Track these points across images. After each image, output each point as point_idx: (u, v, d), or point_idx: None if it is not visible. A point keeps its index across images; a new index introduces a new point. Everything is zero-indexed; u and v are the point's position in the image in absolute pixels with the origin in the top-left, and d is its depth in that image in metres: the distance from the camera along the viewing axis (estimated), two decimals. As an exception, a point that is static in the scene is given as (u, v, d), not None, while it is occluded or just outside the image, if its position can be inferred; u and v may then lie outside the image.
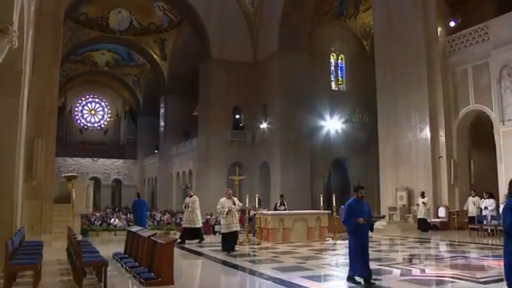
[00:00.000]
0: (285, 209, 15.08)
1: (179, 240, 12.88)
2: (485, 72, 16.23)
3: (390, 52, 19.89)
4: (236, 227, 11.14)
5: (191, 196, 13.63)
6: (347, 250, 11.50)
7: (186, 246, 12.51)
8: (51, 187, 12.90)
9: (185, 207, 13.55)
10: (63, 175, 18.50)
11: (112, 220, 25.15)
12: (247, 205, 13.71)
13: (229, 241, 10.90)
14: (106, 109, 50.38)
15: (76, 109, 49.26)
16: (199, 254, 11.01)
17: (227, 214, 10.84)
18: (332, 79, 31.21)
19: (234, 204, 11.15)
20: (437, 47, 17.95)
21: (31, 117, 11.61)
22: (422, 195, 16.92)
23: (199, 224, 13.63)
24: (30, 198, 11.74)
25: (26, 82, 9.69)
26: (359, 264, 6.81)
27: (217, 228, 21.17)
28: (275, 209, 15.48)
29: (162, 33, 37.52)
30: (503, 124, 15.25)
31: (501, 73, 15.40)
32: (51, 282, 7.27)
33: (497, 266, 8.82)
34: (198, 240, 13.31)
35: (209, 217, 23.54)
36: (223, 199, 11.23)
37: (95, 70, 43.93)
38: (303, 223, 13.58)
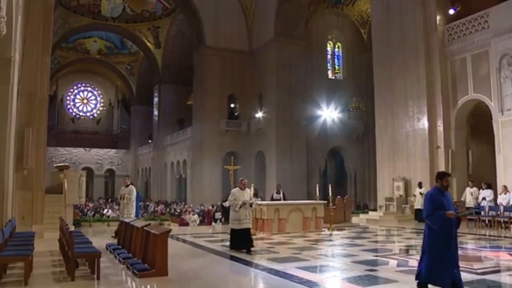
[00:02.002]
0: (281, 198, 14.79)
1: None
2: (485, 61, 16.02)
3: (388, 41, 19.65)
4: (249, 223, 9.87)
5: (127, 186, 12.42)
6: (343, 241, 11.55)
7: (181, 237, 12.34)
8: (43, 177, 12.70)
9: (120, 198, 12.43)
10: (55, 165, 18.28)
11: (105, 210, 25.07)
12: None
13: (239, 239, 9.61)
14: (98, 98, 49.75)
15: (68, 97, 48.60)
16: (194, 245, 10.85)
17: (240, 207, 9.62)
18: (329, 67, 30.94)
19: (250, 197, 9.89)
20: (436, 35, 17.68)
21: (21, 106, 11.40)
22: (420, 185, 16.85)
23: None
24: (21, 188, 11.59)
25: (16, 70, 9.46)
26: (444, 269, 5.31)
27: (217, 215, 20.93)
28: (272, 198, 15.28)
29: (156, 21, 36.95)
30: (502, 114, 15.10)
31: (500, 62, 15.20)
32: (43, 273, 7.14)
33: (494, 257, 8.75)
34: None
35: (210, 207, 23.36)
36: (235, 190, 9.94)
37: (87, 58, 43.30)
38: (299, 213, 13.46)
